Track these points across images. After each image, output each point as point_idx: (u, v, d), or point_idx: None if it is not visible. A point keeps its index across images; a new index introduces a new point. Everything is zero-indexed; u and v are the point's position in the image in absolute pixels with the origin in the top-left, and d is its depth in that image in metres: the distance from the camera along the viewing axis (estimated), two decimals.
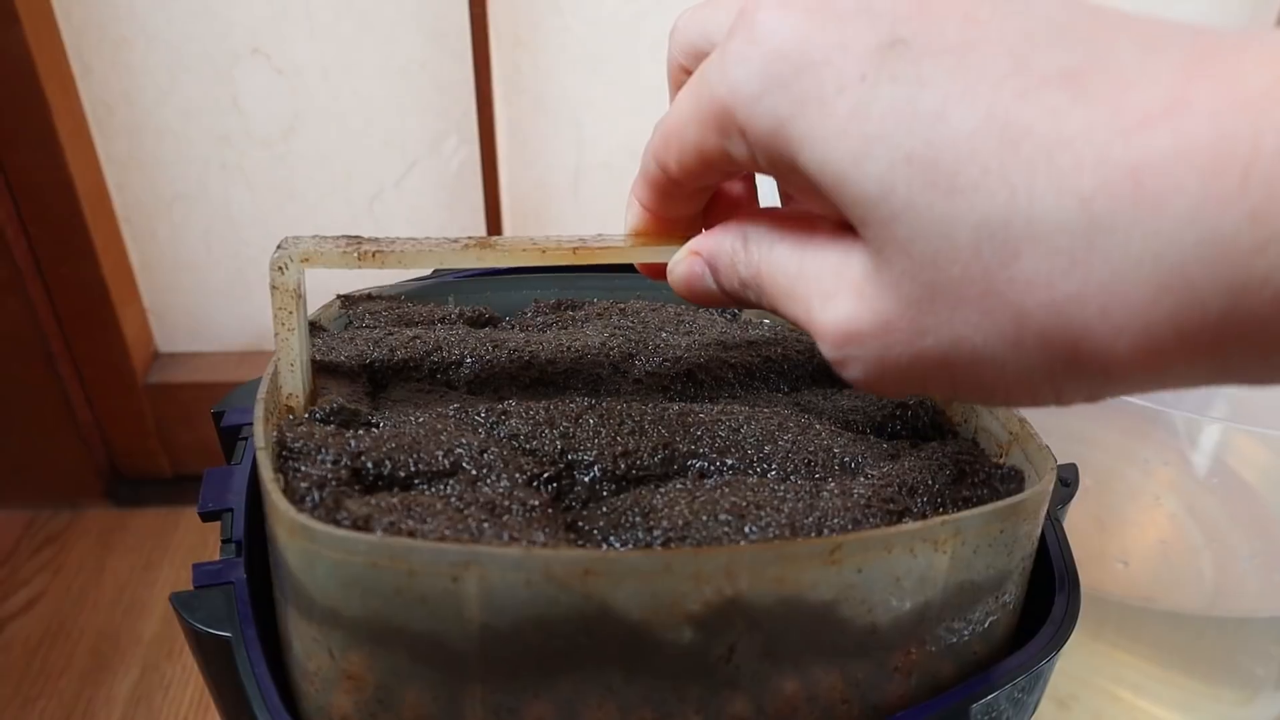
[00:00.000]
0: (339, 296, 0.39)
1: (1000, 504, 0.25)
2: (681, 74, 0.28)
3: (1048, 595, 0.30)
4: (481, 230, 0.82)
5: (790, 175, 0.23)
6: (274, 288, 0.28)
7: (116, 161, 0.79)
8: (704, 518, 0.25)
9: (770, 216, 0.26)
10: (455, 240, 0.29)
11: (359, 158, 0.80)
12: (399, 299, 0.41)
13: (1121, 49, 0.19)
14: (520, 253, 0.29)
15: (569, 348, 0.35)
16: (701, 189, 0.27)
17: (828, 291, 0.23)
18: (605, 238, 0.30)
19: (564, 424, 0.29)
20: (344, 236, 0.29)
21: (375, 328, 0.37)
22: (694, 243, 0.27)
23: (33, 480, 0.86)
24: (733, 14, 0.24)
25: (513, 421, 0.29)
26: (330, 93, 0.77)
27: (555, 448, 0.28)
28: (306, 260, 0.28)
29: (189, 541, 0.84)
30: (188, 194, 0.81)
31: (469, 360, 0.34)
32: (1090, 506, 0.58)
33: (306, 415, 0.28)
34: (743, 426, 0.30)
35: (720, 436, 0.29)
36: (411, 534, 0.23)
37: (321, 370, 0.32)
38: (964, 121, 0.19)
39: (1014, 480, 0.29)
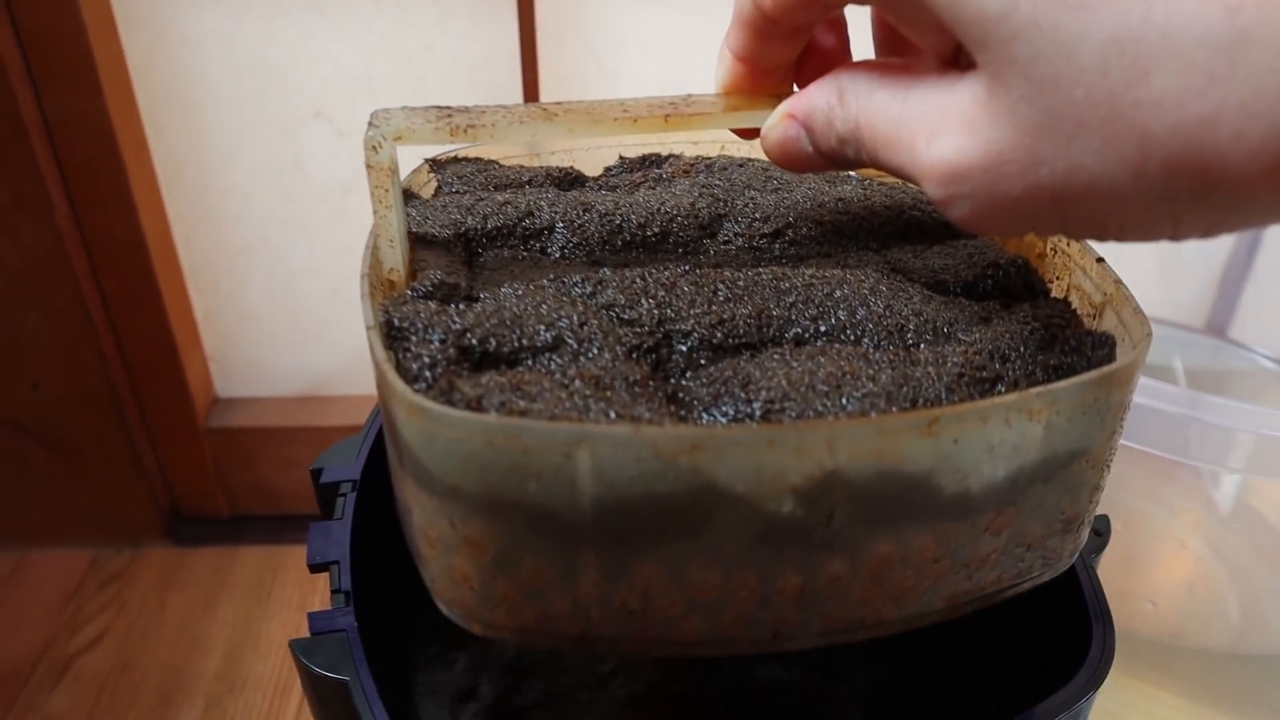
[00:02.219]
0: (427, 161, 0.39)
1: (1094, 374, 0.25)
2: None
3: (1084, 635, 0.31)
4: None
5: (899, 2, 0.21)
6: (369, 166, 0.28)
7: (184, 218, 0.82)
8: (802, 388, 0.26)
9: (868, 66, 0.25)
10: (545, 108, 0.29)
11: None
12: (486, 160, 0.41)
13: None
14: (611, 122, 0.29)
15: (658, 210, 0.35)
16: (797, 30, 0.26)
17: (933, 129, 0.22)
18: (697, 100, 0.29)
19: (660, 292, 0.29)
20: (434, 108, 0.29)
21: (465, 192, 0.37)
22: (787, 104, 0.27)
23: (97, 520, 0.89)
24: None
25: (609, 291, 0.29)
26: None
27: (653, 317, 0.29)
28: (400, 138, 0.28)
29: (246, 579, 0.87)
30: (250, 248, 0.84)
31: (560, 226, 0.34)
32: (1118, 548, 0.59)
33: (409, 292, 0.29)
34: (836, 290, 0.30)
35: (814, 302, 0.30)
36: (523, 413, 0.24)
37: (418, 241, 0.33)
38: None
39: (1106, 346, 0.28)
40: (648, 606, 0.25)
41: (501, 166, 0.40)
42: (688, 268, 0.30)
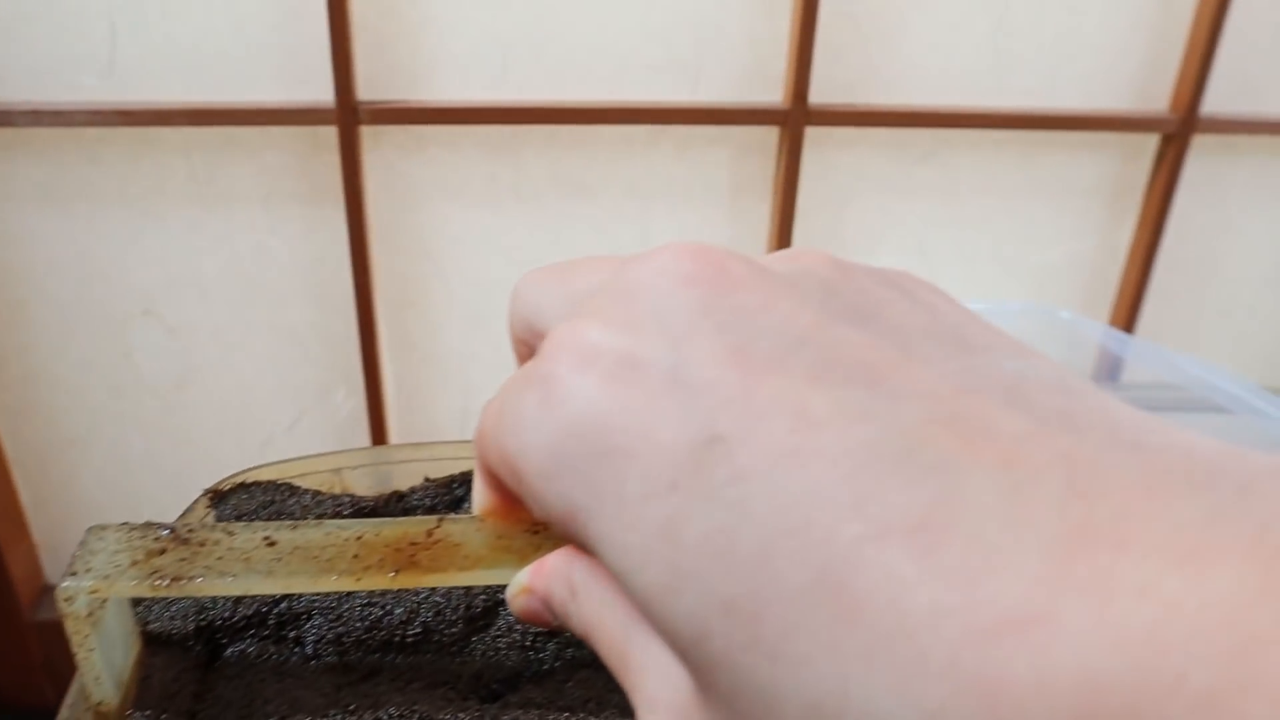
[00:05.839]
0: (206, 493, 0.38)
1: None
2: (523, 347, 0.24)
3: None
4: None
5: (590, 557, 0.20)
6: (64, 615, 0.26)
7: (9, 409, 0.80)
8: None
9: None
10: (272, 545, 0.27)
11: (250, 406, 0.82)
12: (280, 483, 0.39)
13: (980, 487, 0.15)
14: (337, 575, 0.27)
15: (425, 600, 0.33)
16: None
17: (652, 699, 0.20)
18: (446, 532, 0.28)
19: None
20: (150, 528, 0.27)
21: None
22: (526, 575, 0.25)
23: None
24: (563, 308, 0.21)
25: None
26: (221, 348, 0.79)
27: None
28: (95, 592, 0.26)
29: None
30: (81, 439, 0.82)
31: (316, 614, 0.32)
32: None
33: None
34: None
35: None
36: None
37: (150, 642, 0.31)
38: (793, 574, 0.16)
39: None
40: None
41: (297, 492, 0.38)
42: (426, 712, 0.29)
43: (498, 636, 0.33)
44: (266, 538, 0.28)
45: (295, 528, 0.28)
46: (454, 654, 0.33)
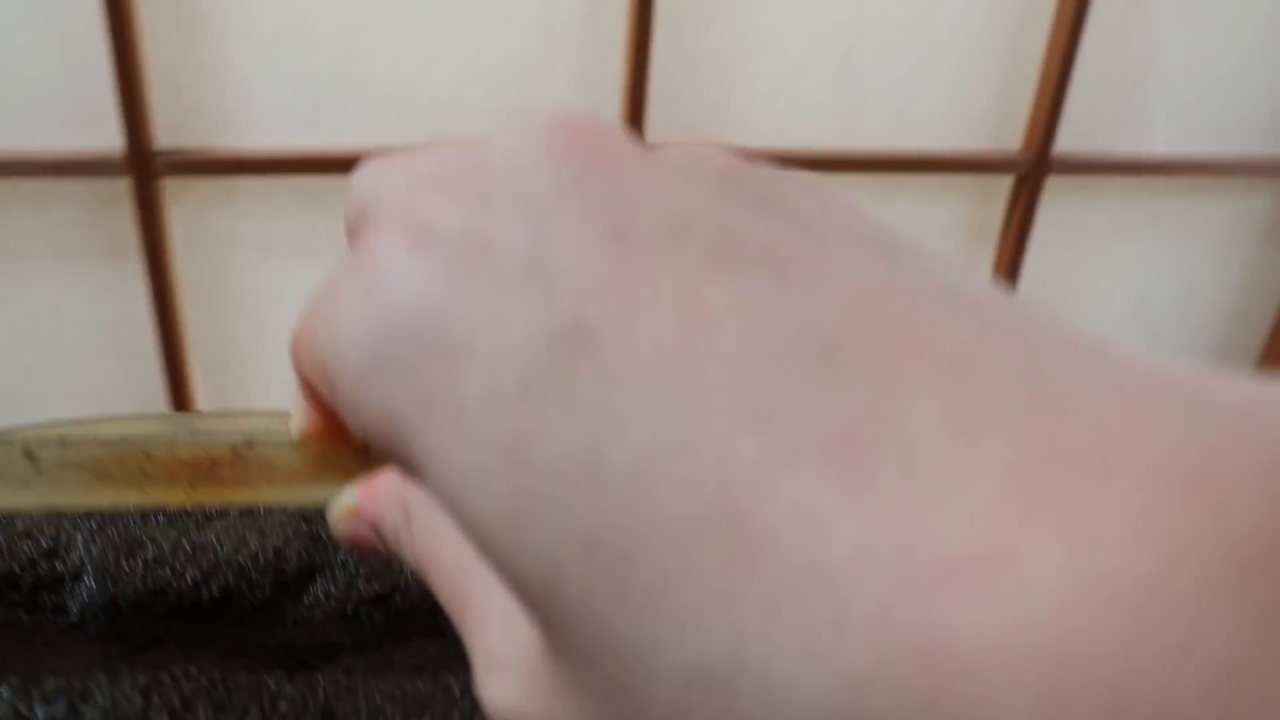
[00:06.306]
0: None
1: None
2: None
3: None
4: None
5: (417, 481, 0.15)
6: None
7: None
8: None
9: None
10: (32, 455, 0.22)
11: None
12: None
13: (917, 400, 0.11)
14: (118, 486, 0.22)
15: (228, 560, 0.28)
16: None
17: (493, 653, 0.16)
18: (258, 446, 0.23)
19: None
20: None
21: None
22: (355, 498, 0.21)
23: None
24: (405, 190, 0.16)
25: (90, 713, 0.22)
26: (14, 414, 0.71)
27: None
28: None
29: None
30: None
31: (88, 577, 0.27)
32: None
33: None
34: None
35: None
36: None
37: None
38: (676, 504, 0.12)
39: None
40: None
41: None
42: (214, 676, 0.24)
43: (313, 605, 0.28)
44: (28, 451, 0.22)
45: (66, 444, 0.22)
46: (259, 623, 0.28)
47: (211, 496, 0.22)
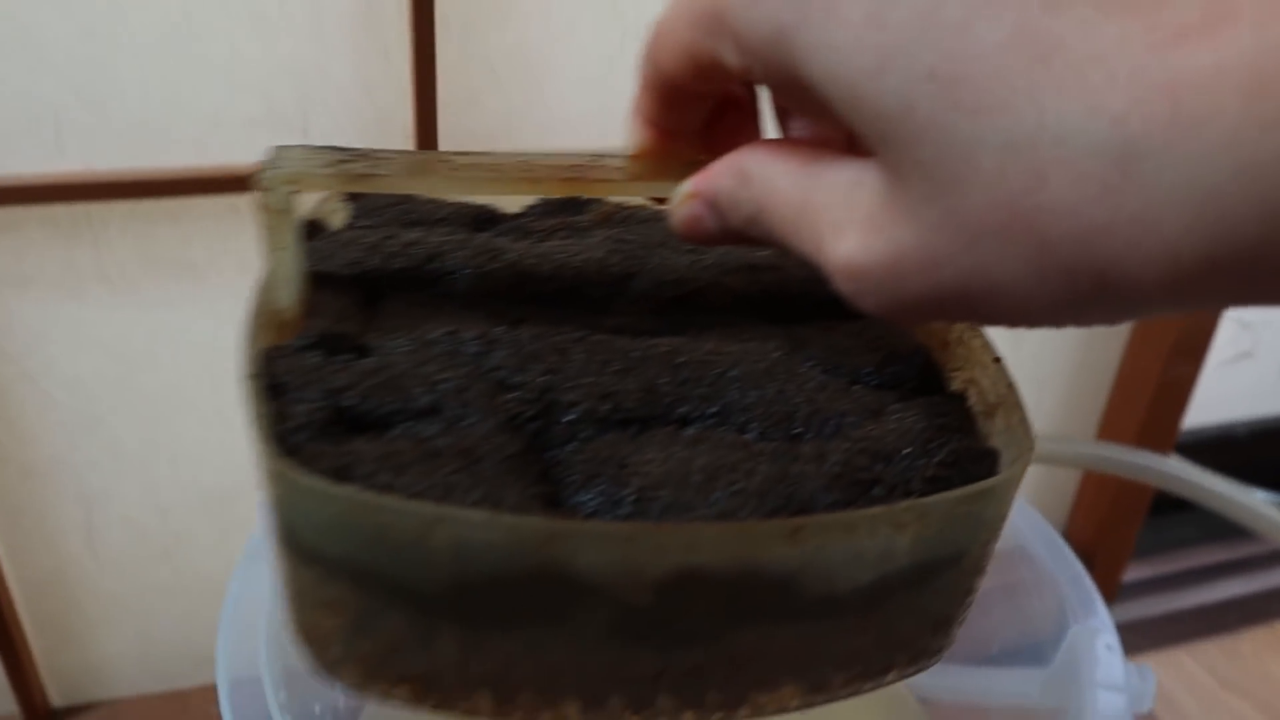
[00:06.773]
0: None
1: (967, 490, 0.25)
2: (690, 65, 0.25)
3: None
4: None
5: (792, 89, 0.21)
6: (260, 206, 0.28)
7: None
8: (676, 477, 0.26)
9: (772, 146, 0.25)
10: (445, 159, 0.29)
11: None
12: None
13: None
14: (512, 182, 0.29)
15: (566, 264, 0.34)
16: (701, 96, 0.26)
17: (837, 223, 0.22)
18: (604, 162, 0.29)
19: (551, 357, 0.29)
20: (330, 149, 0.29)
21: (374, 227, 0.36)
22: (692, 182, 0.26)
23: None
24: None
25: (500, 352, 0.29)
26: None
27: (539, 384, 0.28)
28: (293, 183, 0.28)
29: None
30: None
31: (466, 272, 0.34)
32: None
33: (293, 343, 0.28)
34: (730, 370, 0.30)
35: (706, 381, 0.29)
36: (387, 487, 0.23)
37: (316, 281, 0.32)
38: (990, 34, 0.18)
39: (988, 459, 0.28)
40: (505, 678, 0.25)
41: (416, 200, 0.39)
42: (583, 333, 0.30)
43: (631, 301, 0.34)
44: (444, 159, 0.29)
45: (462, 153, 0.30)
46: (593, 310, 0.34)
47: (579, 189, 0.29)
